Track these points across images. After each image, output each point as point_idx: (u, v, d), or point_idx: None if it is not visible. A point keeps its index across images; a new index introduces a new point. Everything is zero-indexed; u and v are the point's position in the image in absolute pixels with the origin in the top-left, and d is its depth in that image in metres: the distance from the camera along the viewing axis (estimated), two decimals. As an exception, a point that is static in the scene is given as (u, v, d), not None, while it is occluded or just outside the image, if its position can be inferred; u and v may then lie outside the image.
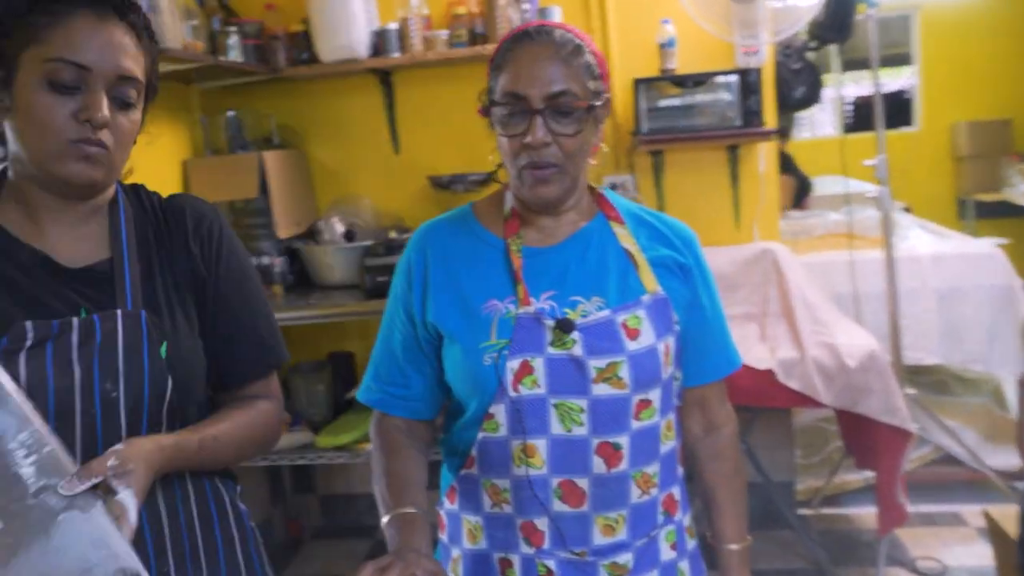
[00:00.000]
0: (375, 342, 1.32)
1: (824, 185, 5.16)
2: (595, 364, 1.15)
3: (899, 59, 7.06)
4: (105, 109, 1.01)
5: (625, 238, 1.24)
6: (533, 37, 1.17)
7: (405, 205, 3.14)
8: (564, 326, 1.15)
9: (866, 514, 3.29)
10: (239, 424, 1.14)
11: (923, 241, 3.71)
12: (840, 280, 3.32)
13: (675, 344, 1.22)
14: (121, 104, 1.04)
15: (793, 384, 2.60)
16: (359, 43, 2.80)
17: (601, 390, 1.16)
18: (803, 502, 3.31)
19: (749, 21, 2.66)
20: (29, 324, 1.01)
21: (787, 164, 4.57)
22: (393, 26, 2.85)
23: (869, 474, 3.28)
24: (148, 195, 1.20)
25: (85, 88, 1.01)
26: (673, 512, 1.26)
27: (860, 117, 7.35)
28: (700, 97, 2.80)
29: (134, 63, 1.05)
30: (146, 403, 1.05)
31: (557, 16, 2.79)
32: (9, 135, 1.05)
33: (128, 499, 0.92)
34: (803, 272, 2.91)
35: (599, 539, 1.20)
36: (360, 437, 2.82)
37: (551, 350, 1.16)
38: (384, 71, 3.02)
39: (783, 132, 4.55)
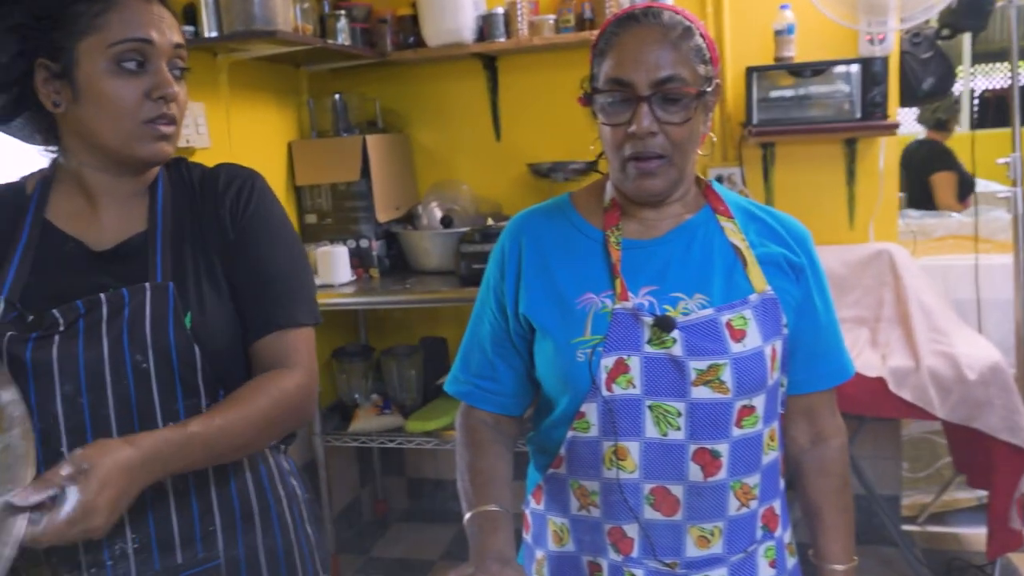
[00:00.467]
0: (466, 331, 1.28)
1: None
2: (695, 365, 1.08)
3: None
4: (174, 83, 1.06)
5: (733, 233, 1.17)
6: (639, 20, 1.10)
7: (504, 192, 3.11)
8: (664, 324, 1.08)
9: (975, 535, 3.09)
10: (244, 408, 1.05)
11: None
12: (961, 285, 3.11)
13: (783, 348, 1.14)
14: (178, 73, 1.08)
15: (905, 394, 2.45)
16: (465, 27, 2.78)
17: (701, 393, 1.09)
18: (908, 518, 3.13)
19: (878, 7, 2.50)
20: (56, 311, 1.04)
21: (948, 160, 4.32)
22: (499, 10, 2.81)
23: (982, 493, 3.09)
24: (189, 167, 1.20)
25: (149, 66, 1.04)
26: (773, 527, 1.18)
27: (986, 112, 6.91)
28: (817, 87, 2.65)
29: (179, 33, 1.09)
30: (176, 372, 1.06)
31: (669, 0, 2.69)
32: (66, 127, 1.07)
33: (71, 495, 0.88)
34: (921, 276, 2.73)
35: (692, 551, 1.13)
36: (449, 424, 2.81)
37: (648, 348, 1.09)
38: (489, 56, 2.99)
39: (943, 124, 4.30)
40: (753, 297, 1.12)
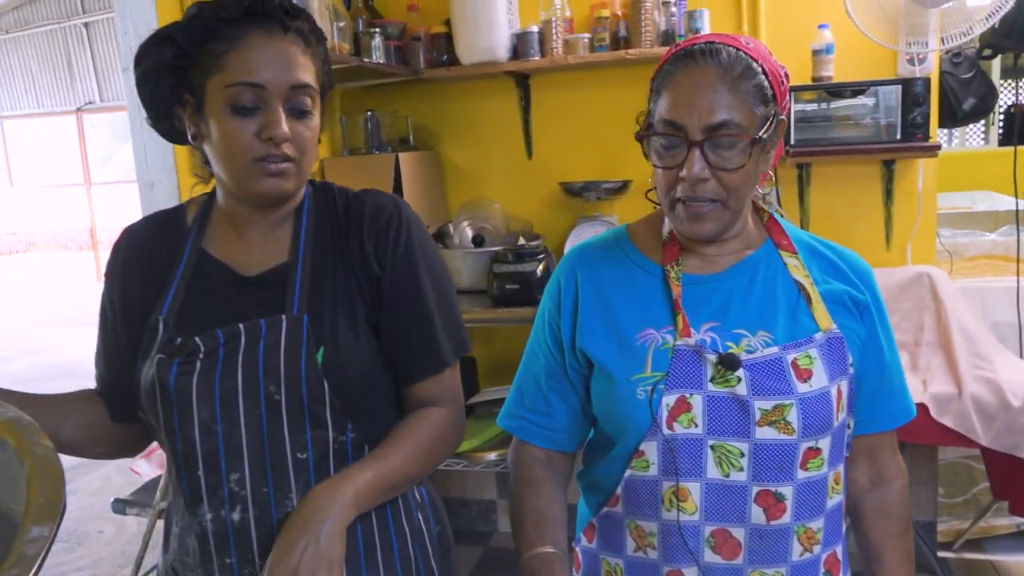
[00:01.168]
0: (519, 365, 1.26)
1: (970, 201, 4.80)
2: (760, 405, 1.05)
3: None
4: (284, 125, 1.06)
5: (796, 269, 1.14)
6: (696, 59, 1.05)
7: (535, 211, 3.09)
8: (729, 362, 1.05)
9: (1014, 562, 3.03)
10: (412, 447, 1.12)
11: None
12: (999, 308, 3.05)
13: (848, 388, 1.11)
14: (299, 113, 1.08)
15: (947, 421, 2.41)
16: (500, 45, 2.76)
17: (765, 434, 1.06)
18: (945, 544, 3.07)
19: (919, 27, 2.47)
20: (198, 339, 1.09)
21: None
22: (534, 28, 2.79)
23: (1020, 520, 3.02)
24: (335, 192, 1.21)
25: (264, 106, 1.06)
26: (835, 573, 1.15)
27: (1012, 128, 6.81)
28: (855, 107, 2.62)
29: (304, 72, 1.09)
30: (305, 405, 1.08)
31: (706, 19, 2.67)
32: (210, 158, 1.12)
33: None
34: (962, 299, 2.68)
35: (754, 596, 1.10)
36: (479, 445, 2.78)
37: (712, 387, 1.07)
38: (522, 74, 2.98)
39: None
40: (819, 336, 1.09)
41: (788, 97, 1.12)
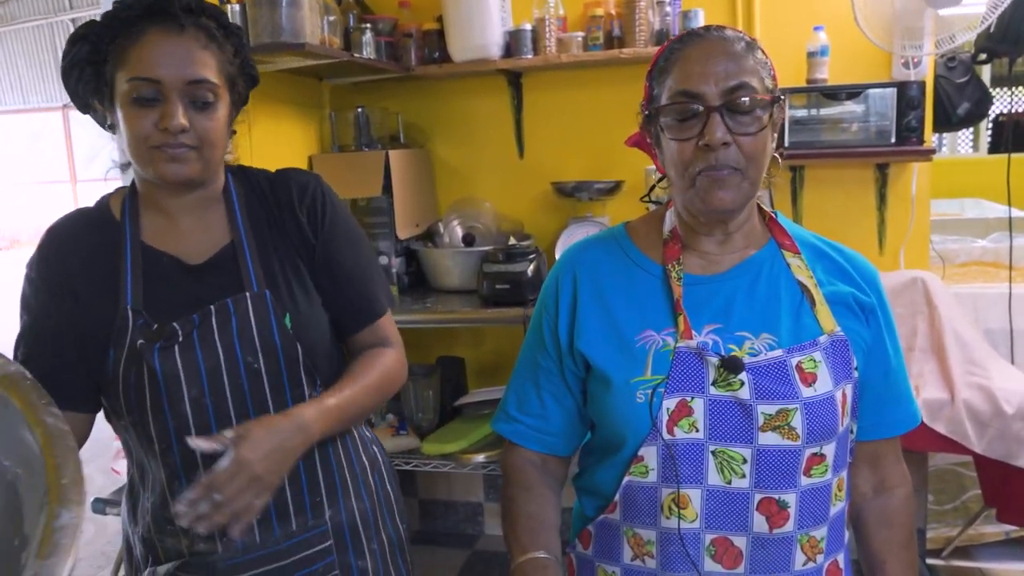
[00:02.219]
0: (515, 366, 1.22)
1: (960, 208, 4.80)
2: (764, 410, 1.02)
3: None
4: (179, 117, 1.13)
5: (800, 270, 1.11)
6: (702, 35, 1.06)
7: (526, 211, 3.05)
8: (732, 365, 1.02)
9: (1002, 570, 3.02)
10: (366, 380, 1.26)
11: (1086, 276, 3.37)
12: (991, 315, 3.04)
13: (853, 393, 1.08)
14: (200, 105, 1.15)
15: (940, 428, 2.38)
16: (492, 43, 2.72)
17: (768, 439, 1.02)
18: (933, 551, 3.05)
19: (914, 30, 2.45)
20: (176, 324, 1.18)
21: None
22: (527, 27, 2.76)
23: (1009, 527, 3.01)
24: (255, 174, 1.31)
25: (162, 99, 1.13)
26: (837, 581, 1.12)
27: (1000, 136, 6.85)
28: (850, 110, 2.60)
29: (203, 67, 1.15)
30: (283, 369, 1.22)
31: (701, 19, 2.64)
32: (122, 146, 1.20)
33: (227, 454, 1.06)
34: (956, 305, 2.66)
35: (754, 606, 1.06)
36: (467, 447, 2.74)
37: (714, 390, 1.03)
38: (514, 72, 2.94)
39: None
40: (823, 338, 1.06)
41: (778, 85, 1.10)
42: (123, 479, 3.25)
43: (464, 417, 2.92)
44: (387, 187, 2.79)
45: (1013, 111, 4.01)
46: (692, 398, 1.03)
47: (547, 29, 2.75)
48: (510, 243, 2.76)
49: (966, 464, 3.09)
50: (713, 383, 1.03)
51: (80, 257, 1.22)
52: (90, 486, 3.27)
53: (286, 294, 1.24)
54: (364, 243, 1.35)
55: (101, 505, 2.93)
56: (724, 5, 2.77)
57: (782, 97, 1.08)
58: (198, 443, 1.08)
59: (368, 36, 2.67)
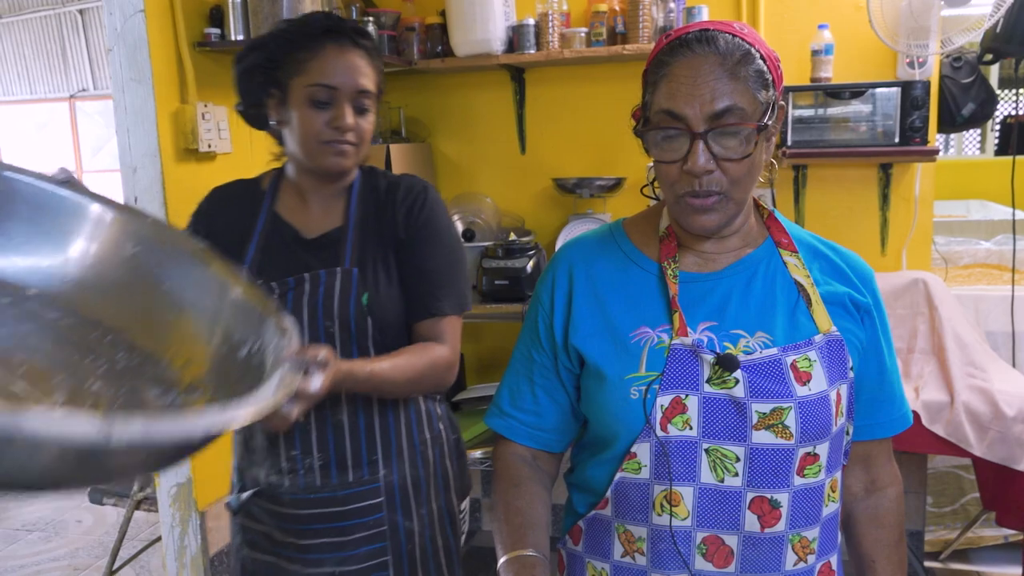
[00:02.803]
0: (509, 362, 1.21)
1: (965, 210, 4.78)
2: (758, 408, 1.01)
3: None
4: (349, 117, 1.37)
5: (796, 269, 1.10)
6: (692, 47, 1.00)
7: (527, 207, 3.05)
8: (727, 363, 1.01)
9: (1000, 574, 3.01)
10: (404, 362, 1.40)
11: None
12: (992, 317, 3.02)
13: (848, 392, 1.07)
14: (360, 111, 1.40)
15: (939, 430, 2.37)
16: (495, 38, 2.71)
17: (762, 438, 1.01)
18: (931, 554, 3.04)
19: (920, 29, 2.43)
20: (274, 284, 1.41)
21: None
22: (530, 21, 2.75)
23: (1008, 531, 3.00)
24: (380, 175, 1.52)
25: (334, 103, 1.37)
26: (829, 583, 1.11)
27: (1008, 139, 6.82)
28: (854, 109, 2.59)
29: (367, 79, 1.40)
30: (354, 336, 1.42)
31: (705, 15, 2.63)
32: (287, 140, 1.44)
33: (315, 376, 1.18)
34: (957, 307, 2.65)
35: (744, 606, 1.06)
36: (466, 442, 2.73)
37: (708, 388, 1.02)
38: (517, 68, 2.93)
39: None
40: (818, 338, 1.05)
41: (783, 83, 1.07)
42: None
43: (463, 412, 2.91)
44: (388, 181, 2.78)
45: (1020, 113, 3.99)
46: (686, 395, 1.02)
47: (550, 24, 2.74)
48: (510, 239, 2.75)
49: (966, 467, 3.08)
50: (708, 381, 1.02)
51: (225, 218, 1.48)
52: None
53: (371, 275, 1.44)
54: (451, 250, 1.50)
55: (98, 495, 2.93)
56: (729, 2, 2.76)
57: (780, 104, 1.05)
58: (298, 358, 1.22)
59: (371, 30, 2.66)
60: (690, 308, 1.07)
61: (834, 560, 1.12)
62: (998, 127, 6.43)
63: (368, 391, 1.41)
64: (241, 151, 2.41)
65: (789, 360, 1.03)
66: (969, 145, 7.10)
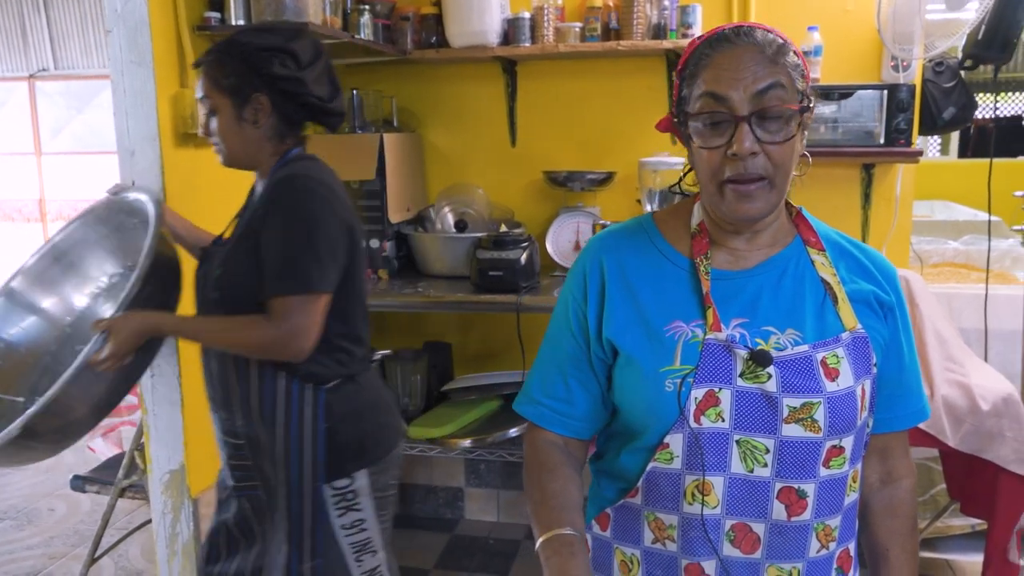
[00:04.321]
0: (539, 351, 1.24)
1: (929, 210, 4.92)
2: (789, 403, 1.05)
3: (1013, 84, 6.72)
4: (202, 120, 1.80)
5: (824, 268, 1.14)
6: (732, 40, 1.06)
7: (517, 199, 3.07)
8: (761, 358, 1.05)
9: (968, 562, 3.11)
10: (216, 325, 1.72)
11: (1054, 279, 3.48)
12: (965, 314, 3.13)
13: (871, 388, 1.12)
14: (210, 114, 1.78)
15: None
16: (491, 30, 2.73)
17: (792, 431, 1.06)
18: (902, 543, 3.14)
19: (904, 34, 2.50)
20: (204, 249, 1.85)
21: None
22: (525, 15, 2.77)
23: (975, 520, 3.11)
24: (287, 172, 1.72)
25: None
26: (847, 569, 1.16)
27: (967, 142, 7.02)
28: (841, 110, 2.65)
29: (201, 89, 1.78)
30: (211, 301, 1.73)
31: (698, 14, 2.67)
32: None
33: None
34: (936, 304, 2.74)
35: (769, 590, 1.10)
36: (454, 432, 2.76)
37: (741, 382, 1.06)
38: (510, 60, 2.95)
39: None
40: (845, 335, 1.09)
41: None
42: (100, 457, 3.21)
43: (450, 403, 2.93)
44: (381, 170, 2.78)
45: (995, 116, 4.10)
46: (720, 389, 1.06)
47: (545, 18, 2.76)
48: (502, 231, 2.77)
49: (935, 459, 3.18)
50: (741, 375, 1.06)
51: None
52: (60, 463, 3.26)
53: (231, 257, 1.70)
54: (291, 235, 1.63)
55: (80, 482, 2.90)
56: (721, 2, 2.80)
57: (812, 99, 1.10)
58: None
59: (366, 18, 2.66)
60: (722, 304, 1.10)
61: (852, 546, 1.17)
62: (960, 131, 6.62)
63: (188, 339, 1.84)
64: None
65: (819, 357, 1.07)
66: (931, 148, 7.27)
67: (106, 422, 3.30)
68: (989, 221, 2.86)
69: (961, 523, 3.21)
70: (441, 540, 3.24)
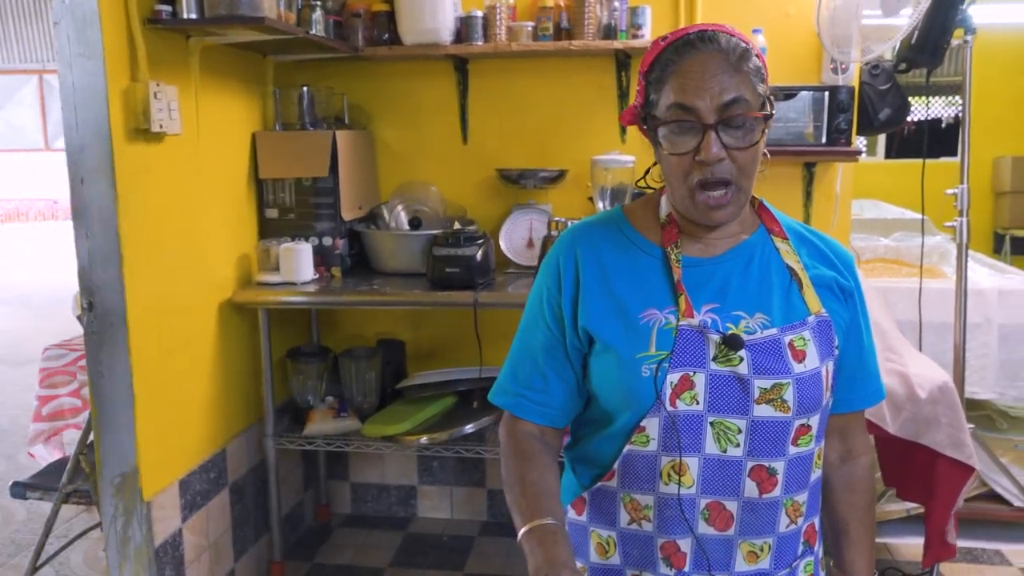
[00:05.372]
0: (513, 342, 1.26)
1: (859, 209, 5.12)
2: (760, 384, 1.10)
3: (941, 88, 7.02)
4: None
5: (788, 254, 1.19)
6: (697, 46, 1.10)
7: (470, 196, 3.09)
8: (733, 342, 1.09)
9: (905, 545, 3.24)
10: None
11: (981, 274, 3.66)
12: (899, 308, 3.27)
13: (833, 369, 1.17)
14: None
15: (860, 410, 2.55)
16: (444, 28, 2.74)
17: (763, 412, 1.10)
18: (842, 528, 3.25)
19: (843, 38, 2.60)
20: None
21: None
22: (477, 13, 2.79)
23: (910, 504, 3.24)
24: None
25: None
26: (812, 543, 1.22)
27: (892, 143, 7.32)
28: (784, 111, 2.74)
29: None
30: None
31: (648, 15, 2.73)
32: None
33: None
34: (876, 297, 2.85)
35: (741, 565, 1.15)
36: (410, 429, 2.76)
37: (714, 366, 1.11)
38: (462, 59, 2.96)
39: None
40: (811, 319, 1.15)
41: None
42: (39, 464, 3.11)
43: (405, 400, 2.93)
44: (334, 168, 2.77)
45: (927, 118, 4.28)
46: (694, 373, 1.10)
47: (498, 17, 2.78)
48: (456, 228, 2.79)
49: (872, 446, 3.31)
50: (714, 359, 1.10)
51: None
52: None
53: None
54: None
55: (21, 489, 2.80)
56: (668, 3, 2.87)
57: (772, 102, 1.15)
58: None
59: (318, 14, 2.65)
60: (693, 291, 1.15)
61: (816, 521, 1.22)
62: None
63: None
64: (189, 134, 2.36)
65: (787, 339, 1.12)
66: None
67: (47, 426, 3.21)
68: (923, 219, 2.99)
69: (897, 508, 3.34)
70: (395, 538, 3.23)
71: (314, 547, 3.19)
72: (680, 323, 1.12)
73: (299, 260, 2.69)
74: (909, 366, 2.59)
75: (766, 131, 1.14)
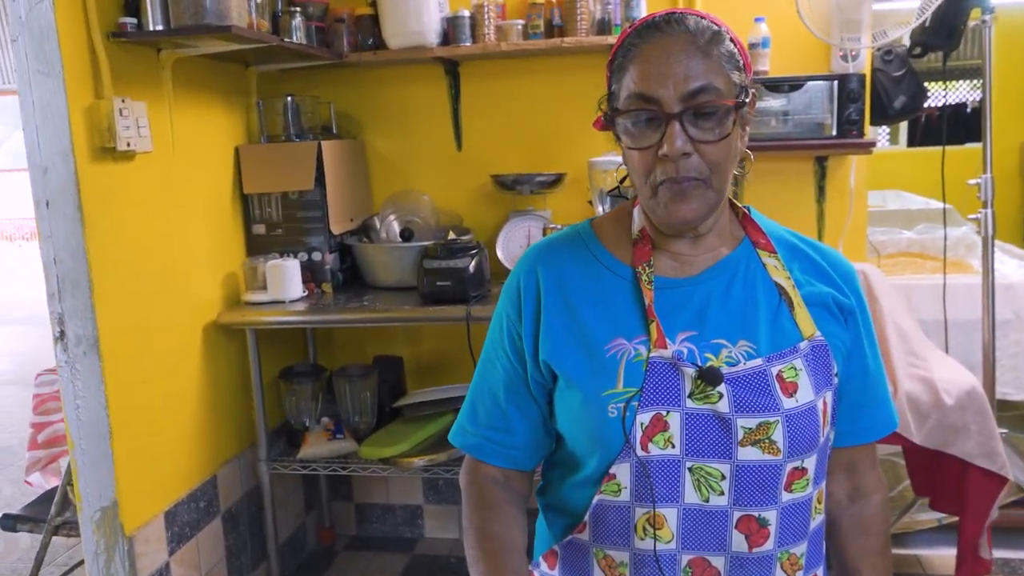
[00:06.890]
0: (473, 376, 1.13)
1: (881, 200, 4.91)
2: (744, 424, 0.96)
3: (965, 72, 6.77)
4: None
5: (776, 271, 1.05)
6: (662, 28, 0.97)
7: (465, 204, 2.96)
8: (710, 376, 0.95)
9: (937, 557, 3.07)
10: None
11: (1010, 267, 3.46)
12: (923, 306, 3.09)
13: (832, 400, 1.03)
14: None
15: (882, 420, 2.39)
16: (430, 30, 2.62)
17: (748, 455, 0.96)
18: (870, 540, 3.09)
19: (852, 23, 2.44)
20: None
21: None
22: (464, 13, 2.66)
23: (941, 515, 3.07)
24: None
25: None
26: (816, 597, 1.07)
27: (915, 131, 7.08)
28: (791, 103, 2.59)
29: None
30: None
31: (643, 8, 2.59)
32: None
33: None
34: (896, 297, 2.68)
35: (733, 628, 1.01)
36: (407, 451, 2.64)
37: (690, 403, 0.97)
38: (452, 61, 2.84)
39: None
40: (803, 344, 1.01)
41: (752, 70, 1.03)
42: (36, 491, 3.03)
43: (403, 419, 2.81)
44: (319, 179, 2.66)
45: (944, 104, 4.09)
46: (667, 412, 0.96)
47: (486, 16, 2.66)
48: (450, 238, 2.66)
49: (900, 454, 3.14)
50: (690, 395, 0.97)
51: None
52: (-3, 499, 2.98)
53: None
54: None
55: (10, 522, 2.73)
56: (665, -5, 2.73)
57: (752, 91, 1.01)
58: None
59: (298, 20, 2.53)
60: (668, 317, 1.01)
61: (820, 571, 1.08)
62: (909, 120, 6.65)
63: None
64: (163, 151, 2.25)
65: (775, 371, 0.98)
66: (880, 137, 7.31)
67: (44, 453, 3.13)
68: (944, 210, 2.81)
69: (928, 518, 3.17)
70: (401, 560, 3.11)
71: (318, 572, 3.08)
72: (651, 355, 0.98)
73: (286, 277, 2.58)
74: (934, 371, 2.43)
75: (742, 124, 1.00)
